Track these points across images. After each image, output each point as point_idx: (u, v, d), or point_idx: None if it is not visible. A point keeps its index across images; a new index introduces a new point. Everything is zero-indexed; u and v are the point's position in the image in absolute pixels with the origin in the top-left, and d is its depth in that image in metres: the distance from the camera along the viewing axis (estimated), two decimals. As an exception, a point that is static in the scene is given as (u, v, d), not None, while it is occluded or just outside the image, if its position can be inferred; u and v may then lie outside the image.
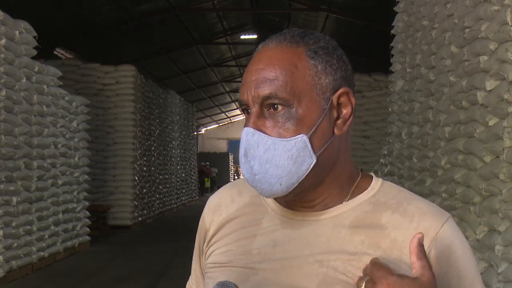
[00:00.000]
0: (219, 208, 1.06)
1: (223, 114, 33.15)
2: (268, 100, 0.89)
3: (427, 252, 0.87)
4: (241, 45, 18.80)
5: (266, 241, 0.96)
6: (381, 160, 7.64)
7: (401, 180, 6.29)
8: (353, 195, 0.96)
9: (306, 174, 0.89)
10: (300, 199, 0.95)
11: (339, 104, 0.93)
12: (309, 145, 0.89)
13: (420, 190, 5.41)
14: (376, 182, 0.98)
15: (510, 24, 3.70)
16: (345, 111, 0.93)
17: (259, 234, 0.98)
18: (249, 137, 0.89)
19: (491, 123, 4.01)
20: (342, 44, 0.97)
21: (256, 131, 0.89)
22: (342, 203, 0.96)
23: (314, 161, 0.89)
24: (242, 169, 0.91)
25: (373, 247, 0.91)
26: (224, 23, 16.14)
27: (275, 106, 0.89)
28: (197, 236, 1.10)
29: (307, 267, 0.92)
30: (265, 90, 0.89)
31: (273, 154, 0.88)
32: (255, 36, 17.49)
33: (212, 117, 33.23)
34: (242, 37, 17.92)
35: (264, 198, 1.01)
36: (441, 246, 0.90)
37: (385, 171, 7.08)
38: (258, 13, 15.89)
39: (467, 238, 4.20)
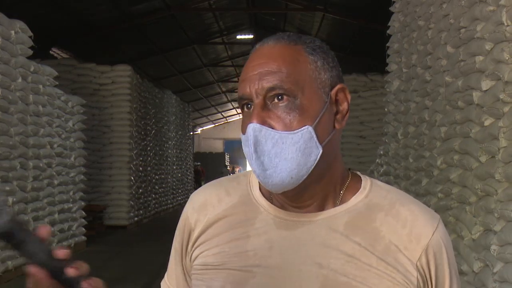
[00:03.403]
0: (205, 208, 1.02)
1: (219, 114, 33.10)
2: (272, 91, 0.90)
3: (419, 258, 0.92)
4: (237, 45, 18.80)
5: (261, 243, 0.95)
6: (377, 160, 7.64)
7: (397, 180, 6.30)
8: (345, 196, 0.97)
9: (314, 164, 0.90)
10: (298, 198, 0.95)
11: (336, 100, 0.95)
12: (314, 136, 0.90)
13: (416, 190, 5.41)
14: (366, 182, 0.99)
15: (505, 24, 3.70)
16: (342, 107, 0.96)
17: (252, 235, 0.96)
18: (256, 133, 0.89)
19: (486, 123, 4.02)
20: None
21: (263, 126, 0.89)
22: (335, 204, 0.96)
23: (321, 151, 0.90)
24: (253, 166, 0.90)
25: (370, 249, 0.92)
26: (220, 23, 16.13)
27: (279, 96, 0.90)
28: (178, 236, 1.06)
29: (307, 269, 0.91)
30: (270, 82, 0.90)
31: (282, 148, 0.88)
32: (251, 36, 17.48)
33: (208, 117, 33.18)
34: (238, 37, 17.92)
35: (255, 197, 1.00)
36: (433, 251, 0.93)
37: (381, 171, 7.09)
38: (254, 13, 15.88)
39: (462, 238, 4.22)
